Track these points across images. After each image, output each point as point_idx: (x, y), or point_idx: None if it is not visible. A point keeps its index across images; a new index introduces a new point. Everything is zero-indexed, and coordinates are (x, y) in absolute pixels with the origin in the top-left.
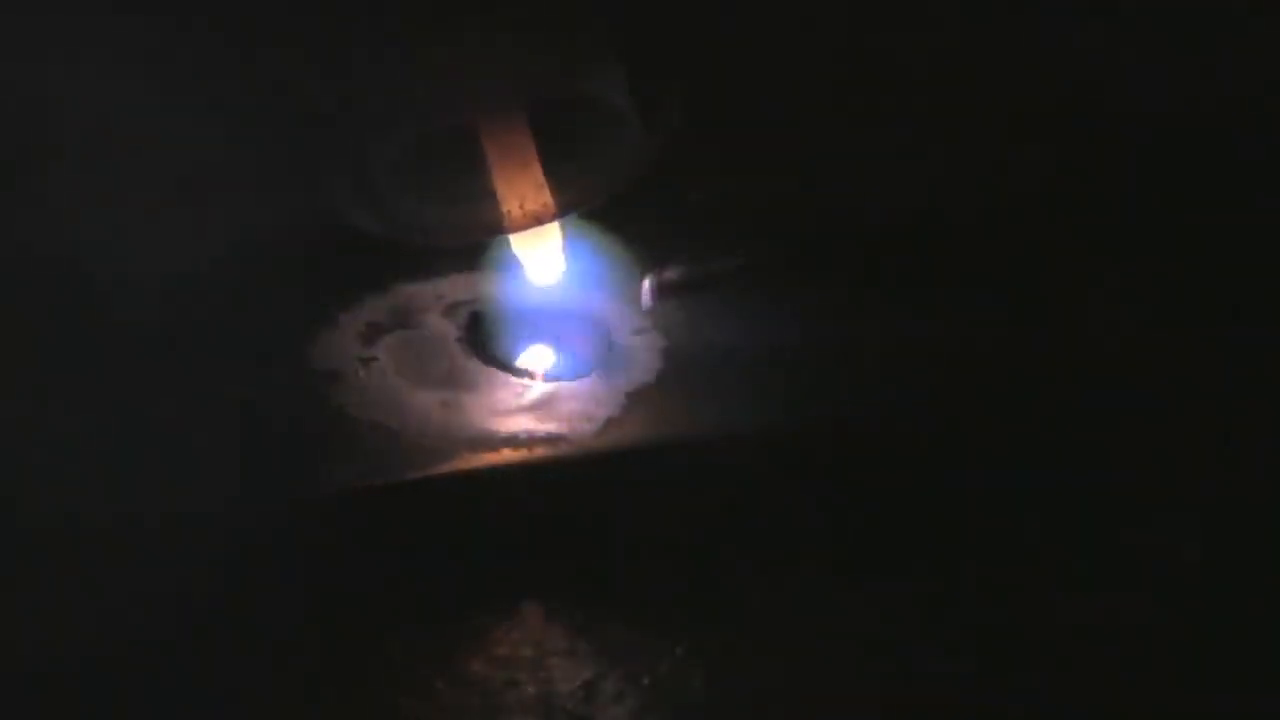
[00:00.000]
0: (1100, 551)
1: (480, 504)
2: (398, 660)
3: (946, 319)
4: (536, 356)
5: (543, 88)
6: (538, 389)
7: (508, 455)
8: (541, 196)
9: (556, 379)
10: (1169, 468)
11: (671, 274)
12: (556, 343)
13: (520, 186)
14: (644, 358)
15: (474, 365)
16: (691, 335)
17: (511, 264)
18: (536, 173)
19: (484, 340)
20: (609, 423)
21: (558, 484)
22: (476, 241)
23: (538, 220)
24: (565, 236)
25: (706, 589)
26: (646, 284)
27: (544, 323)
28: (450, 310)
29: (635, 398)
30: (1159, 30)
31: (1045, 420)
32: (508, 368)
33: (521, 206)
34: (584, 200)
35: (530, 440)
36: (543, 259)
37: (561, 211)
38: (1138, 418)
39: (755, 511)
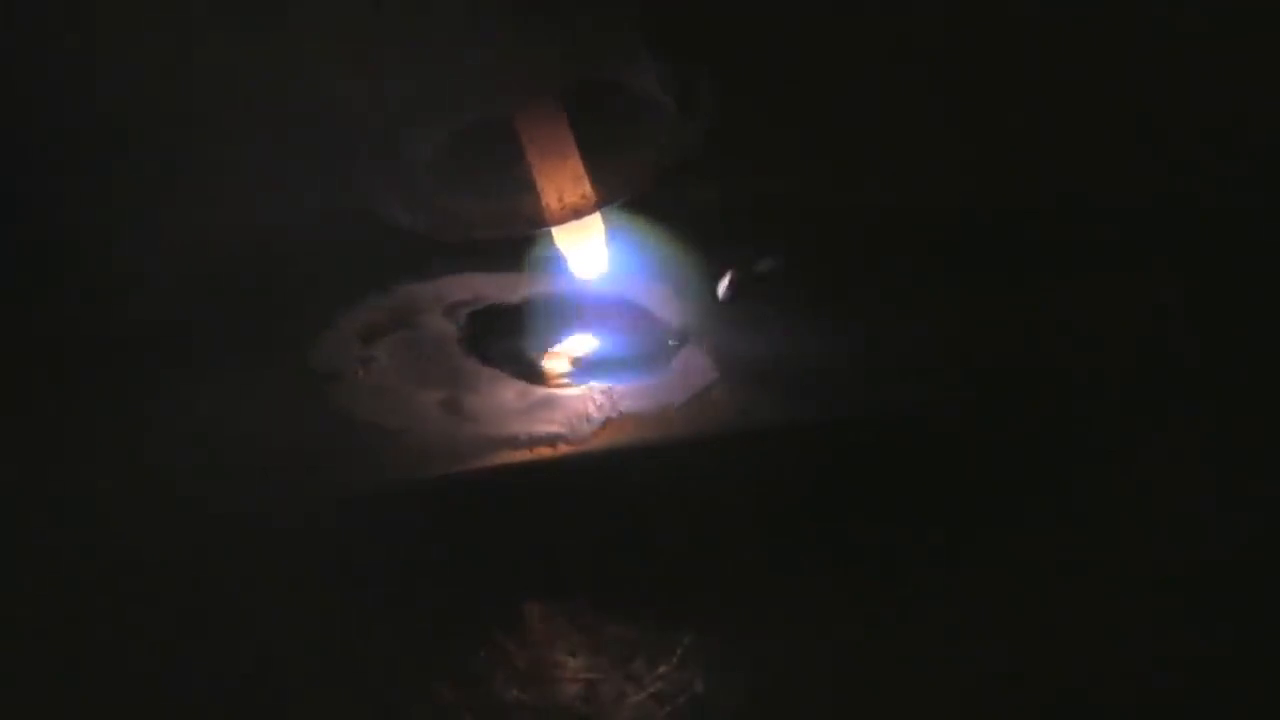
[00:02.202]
0: (1115, 552)
1: (480, 504)
2: (398, 661)
3: (951, 318)
4: (553, 358)
5: (578, 78)
6: (541, 391)
7: (508, 456)
8: (580, 188)
9: (568, 382)
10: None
11: (754, 269)
12: (563, 345)
13: (559, 179)
14: (644, 358)
15: (474, 365)
16: (693, 336)
17: (513, 264)
18: (575, 165)
19: (484, 340)
20: (609, 423)
21: (558, 484)
22: (517, 236)
23: (576, 213)
24: (605, 230)
25: (708, 589)
26: (726, 278)
27: (549, 324)
28: (450, 310)
29: (635, 398)
30: (1178, 35)
31: (1077, 419)
32: (508, 368)
33: (561, 199)
34: (623, 191)
35: (530, 440)
36: (583, 251)
37: (600, 203)
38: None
39: (757, 511)
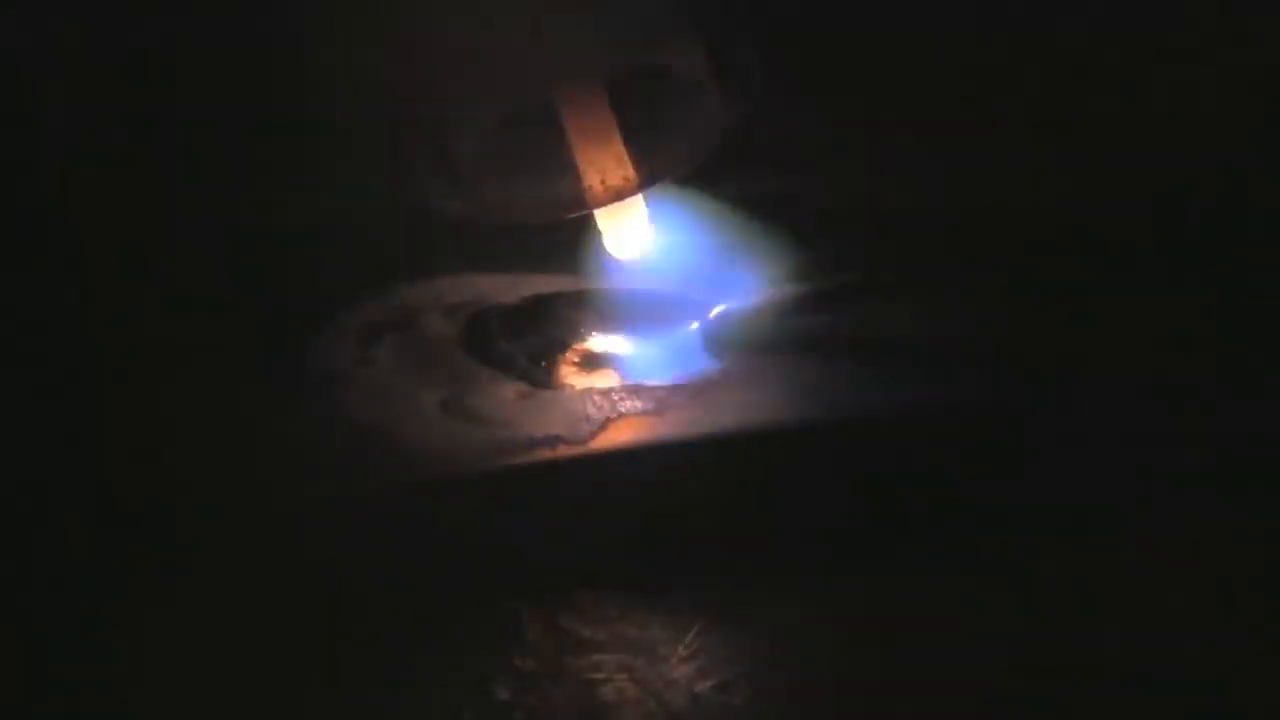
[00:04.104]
0: (1169, 542)
1: (480, 504)
2: (397, 663)
3: (974, 319)
4: (552, 359)
5: (621, 61)
6: (541, 392)
7: (507, 456)
8: (622, 170)
9: (568, 383)
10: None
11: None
12: (563, 346)
13: (601, 161)
14: (645, 359)
15: (474, 366)
16: (694, 336)
17: (514, 264)
18: (618, 147)
19: (484, 341)
20: (608, 424)
21: (557, 484)
22: (559, 219)
23: (618, 195)
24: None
25: (710, 589)
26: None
27: (549, 325)
28: (450, 310)
29: (635, 399)
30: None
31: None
32: (508, 369)
33: (603, 181)
34: (665, 173)
35: (530, 441)
36: (626, 235)
37: (642, 185)
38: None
39: (759, 511)
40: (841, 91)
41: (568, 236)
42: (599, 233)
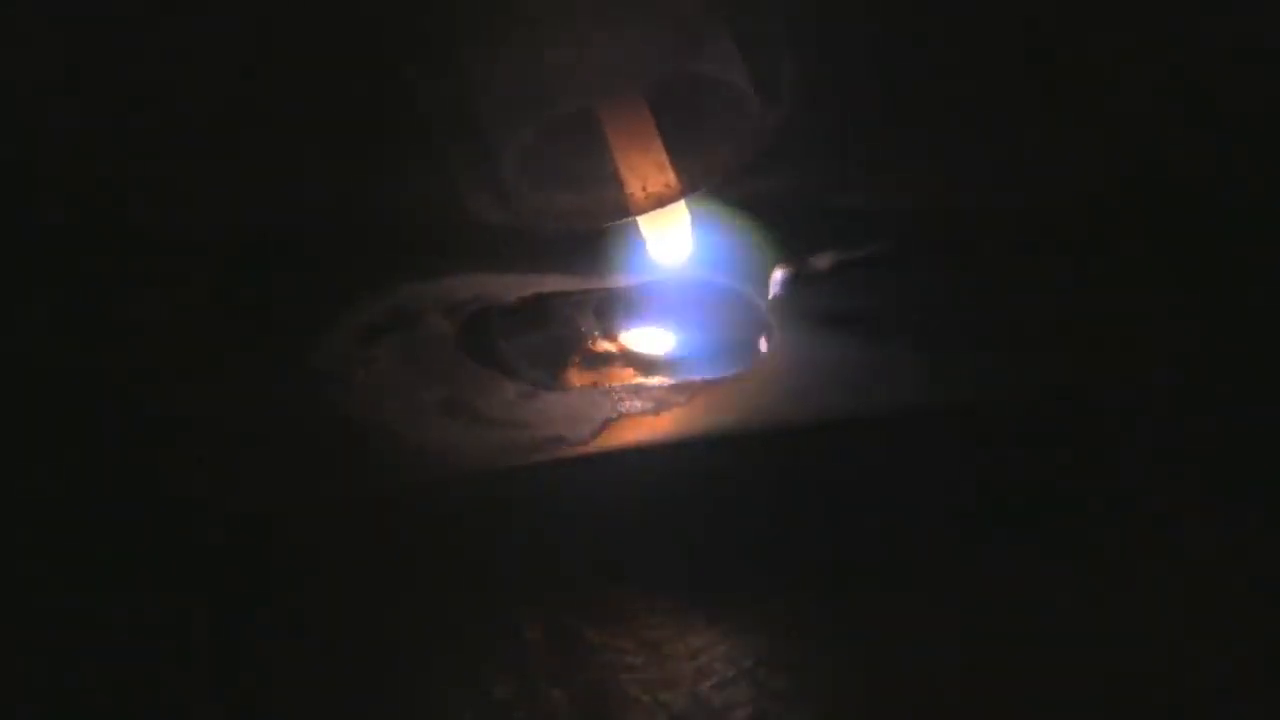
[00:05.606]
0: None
1: (480, 504)
2: (398, 663)
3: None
4: (553, 359)
5: (660, 67)
6: (541, 392)
7: (507, 456)
8: (664, 177)
9: (568, 383)
10: None
11: (805, 265)
12: (564, 346)
13: (642, 168)
14: (646, 359)
15: (474, 365)
16: (697, 335)
17: (513, 264)
18: (659, 154)
19: (484, 340)
20: (608, 424)
21: (558, 484)
22: (601, 226)
23: (660, 201)
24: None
25: (711, 590)
26: (778, 274)
27: (550, 325)
28: (450, 310)
29: (634, 399)
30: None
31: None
32: (508, 369)
33: (644, 188)
34: (706, 179)
35: (530, 441)
36: (669, 241)
37: (684, 191)
38: None
39: (759, 510)
40: (849, 90)
41: (569, 237)
42: (620, 236)
